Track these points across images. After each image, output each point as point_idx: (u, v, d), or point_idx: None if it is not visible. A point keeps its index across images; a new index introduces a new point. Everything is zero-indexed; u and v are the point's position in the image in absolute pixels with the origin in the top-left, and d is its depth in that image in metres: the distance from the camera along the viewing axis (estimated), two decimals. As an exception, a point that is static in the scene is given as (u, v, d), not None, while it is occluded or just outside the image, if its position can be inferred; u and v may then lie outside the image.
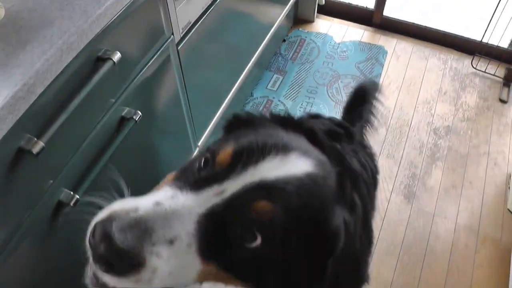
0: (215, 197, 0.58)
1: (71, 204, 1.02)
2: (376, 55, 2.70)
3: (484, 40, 2.56)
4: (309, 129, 0.76)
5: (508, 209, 2.03)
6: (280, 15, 2.34)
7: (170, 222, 0.55)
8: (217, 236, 0.58)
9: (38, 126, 0.88)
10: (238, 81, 2.01)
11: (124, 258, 0.52)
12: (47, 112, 0.89)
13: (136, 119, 1.17)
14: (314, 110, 2.36)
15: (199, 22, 1.43)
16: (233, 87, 1.97)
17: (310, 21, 2.88)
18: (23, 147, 0.85)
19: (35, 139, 0.86)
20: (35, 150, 0.85)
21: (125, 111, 1.17)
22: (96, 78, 0.97)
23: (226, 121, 0.80)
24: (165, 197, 0.58)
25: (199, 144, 1.75)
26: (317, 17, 2.90)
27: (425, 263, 1.87)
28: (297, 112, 2.33)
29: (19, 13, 0.91)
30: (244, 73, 2.04)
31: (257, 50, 2.15)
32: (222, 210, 0.58)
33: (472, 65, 2.67)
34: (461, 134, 2.35)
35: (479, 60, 2.66)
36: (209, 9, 1.46)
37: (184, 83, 1.46)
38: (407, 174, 2.16)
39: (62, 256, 1.13)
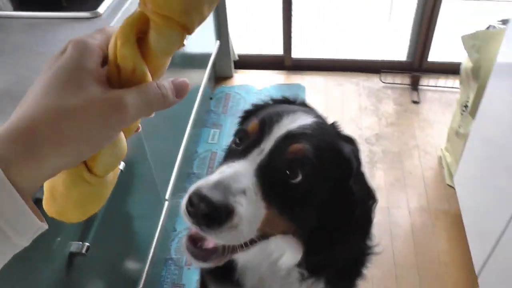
0: (259, 156, 0.78)
1: None
2: (296, 92, 2.96)
3: (386, 58, 2.92)
4: (301, 102, 1.02)
5: (447, 184, 2.29)
6: (203, 78, 2.55)
7: (238, 178, 0.73)
8: (271, 182, 0.76)
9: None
10: (183, 143, 2.16)
11: (220, 209, 0.69)
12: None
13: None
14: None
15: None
16: (180, 149, 2.12)
17: (229, 76, 3.13)
18: None
19: None
20: None
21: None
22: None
23: (240, 116, 1.04)
24: (225, 168, 0.77)
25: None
26: (235, 72, 3.16)
27: (395, 249, 2.04)
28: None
29: None
30: (186, 134, 2.20)
31: (191, 112, 2.33)
32: (268, 161, 0.77)
33: (381, 80, 3.02)
34: (390, 137, 2.62)
35: (386, 75, 3.01)
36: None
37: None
38: (354, 182, 2.36)
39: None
